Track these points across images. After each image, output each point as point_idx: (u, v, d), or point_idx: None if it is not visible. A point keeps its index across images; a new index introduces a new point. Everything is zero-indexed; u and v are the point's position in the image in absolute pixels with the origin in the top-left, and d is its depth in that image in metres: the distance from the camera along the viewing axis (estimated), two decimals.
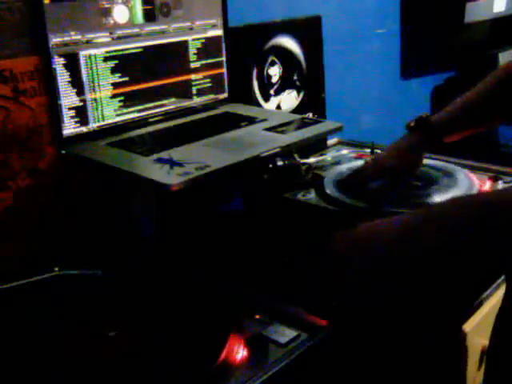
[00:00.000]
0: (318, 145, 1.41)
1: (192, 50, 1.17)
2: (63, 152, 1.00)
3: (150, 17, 1.09)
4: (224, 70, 1.24)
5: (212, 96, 1.23)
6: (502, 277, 0.93)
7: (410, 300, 0.83)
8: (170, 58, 1.14)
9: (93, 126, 1.04)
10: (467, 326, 0.90)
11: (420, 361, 0.88)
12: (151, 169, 0.90)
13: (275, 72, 1.34)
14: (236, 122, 1.13)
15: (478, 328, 0.91)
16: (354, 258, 0.75)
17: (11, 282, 0.89)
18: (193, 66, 1.18)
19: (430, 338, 0.87)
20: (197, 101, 1.20)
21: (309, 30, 1.41)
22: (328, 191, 1.14)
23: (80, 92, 1.01)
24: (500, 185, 1.15)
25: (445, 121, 1.02)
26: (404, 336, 0.86)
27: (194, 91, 1.20)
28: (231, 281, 0.87)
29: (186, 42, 1.16)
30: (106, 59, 1.03)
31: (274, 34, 1.32)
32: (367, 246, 0.75)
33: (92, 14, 1.00)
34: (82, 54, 1.00)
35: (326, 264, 0.79)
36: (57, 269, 0.92)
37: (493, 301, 0.93)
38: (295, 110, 1.40)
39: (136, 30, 1.07)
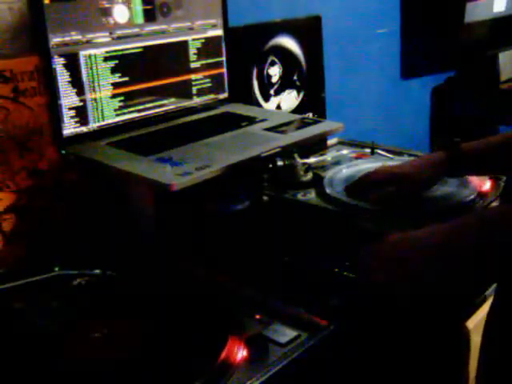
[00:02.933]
0: (318, 145, 1.41)
1: (192, 50, 1.17)
2: (63, 152, 1.00)
3: (150, 17, 1.09)
4: (224, 70, 1.24)
5: (212, 96, 1.23)
6: None
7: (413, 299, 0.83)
8: (170, 57, 1.14)
9: (93, 126, 1.04)
10: (470, 323, 0.90)
11: (422, 357, 0.88)
12: (151, 169, 0.91)
13: (275, 72, 1.34)
14: (236, 121, 1.13)
15: (481, 325, 0.91)
16: (392, 274, 0.75)
17: (11, 281, 0.89)
18: (193, 66, 1.18)
19: (432, 335, 0.87)
20: (197, 101, 1.21)
21: (309, 29, 1.41)
22: (328, 191, 1.14)
23: (80, 92, 1.01)
24: (501, 185, 1.15)
25: (472, 153, 1.02)
26: (406, 333, 0.86)
27: (194, 91, 1.20)
28: (231, 281, 0.87)
29: (186, 42, 1.16)
30: (106, 59, 1.03)
31: (274, 33, 1.32)
32: (405, 260, 0.74)
33: (92, 14, 1.00)
34: (82, 53, 1.00)
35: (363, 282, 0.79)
36: (57, 269, 0.92)
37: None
38: (295, 110, 1.40)
39: (136, 30, 1.07)
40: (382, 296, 0.78)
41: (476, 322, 0.91)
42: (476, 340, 0.91)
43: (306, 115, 1.42)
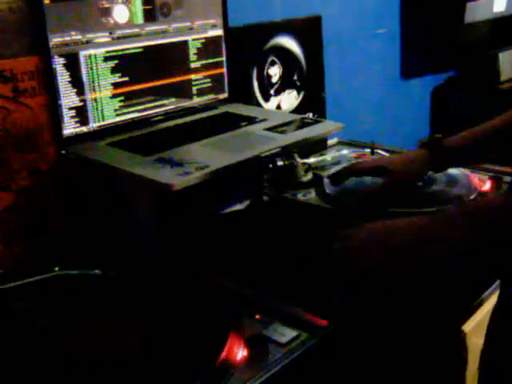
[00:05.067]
0: (318, 145, 1.41)
1: (192, 50, 1.17)
2: (63, 152, 1.00)
3: (150, 17, 1.09)
4: (224, 70, 1.24)
5: (212, 96, 1.23)
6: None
7: (410, 301, 0.83)
8: (170, 57, 1.14)
9: (93, 125, 1.04)
10: (467, 327, 0.90)
11: (420, 361, 0.88)
12: (151, 169, 0.90)
13: (275, 72, 1.34)
14: (236, 121, 1.13)
15: (478, 328, 0.91)
16: (370, 257, 0.74)
17: (11, 282, 0.89)
18: (193, 66, 1.18)
19: (429, 338, 0.87)
20: (197, 101, 1.21)
21: (309, 30, 1.41)
22: (328, 191, 1.14)
23: (80, 92, 1.01)
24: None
25: (454, 148, 1.03)
26: (404, 336, 0.86)
27: (194, 91, 1.20)
28: (231, 281, 0.87)
29: (186, 42, 1.16)
30: (106, 59, 1.03)
31: (274, 33, 1.32)
32: (385, 245, 0.73)
33: (92, 14, 1.00)
34: (82, 53, 1.00)
35: (338, 264, 0.78)
36: (57, 269, 0.92)
37: (492, 301, 0.93)
38: (295, 110, 1.40)
39: (136, 30, 1.07)
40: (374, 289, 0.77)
41: (473, 325, 0.90)
42: (473, 343, 0.91)
43: (306, 115, 1.42)
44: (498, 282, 0.94)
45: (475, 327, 0.90)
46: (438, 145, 1.04)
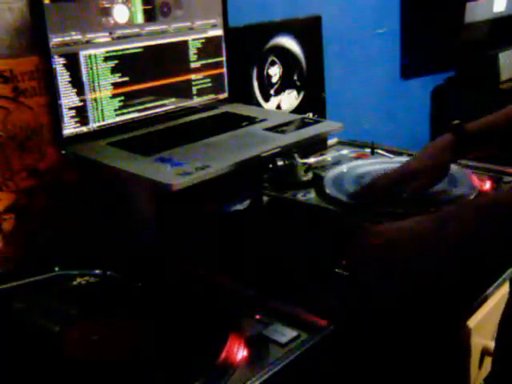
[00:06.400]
0: (318, 145, 1.41)
1: (192, 50, 1.17)
2: (63, 152, 1.00)
3: (150, 17, 1.09)
4: (224, 70, 1.24)
5: (212, 96, 1.23)
6: (505, 274, 0.93)
7: (413, 298, 0.83)
8: (170, 57, 1.14)
9: (93, 125, 1.04)
10: (471, 322, 0.90)
11: (422, 359, 0.88)
12: (151, 169, 0.91)
13: (275, 72, 1.34)
14: (236, 122, 1.13)
15: (482, 324, 0.91)
16: (377, 268, 0.76)
17: (11, 282, 0.89)
18: (193, 65, 1.18)
19: (432, 335, 0.87)
20: (197, 101, 1.21)
21: (309, 30, 1.41)
22: (328, 191, 1.14)
23: (80, 92, 1.01)
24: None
25: (476, 129, 1.04)
26: (406, 334, 0.86)
27: (194, 91, 1.20)
28: (231, 281, 0.87)
29: (186, 42, 1.16)
30: (106, 59, 1.03)
31: (274, 33, 1.32)
32: (388, 257, 0.76)
33: (92, 14, 1.00)
34: (82, 53, 1.00)
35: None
36: (57, 269, 0.92)
37: (496, 297, 0.93)
38: (295, 110, 1.40)
39: (136, 30, 1.07)
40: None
41: (477, 321, 0.91)
42: (476, 341, 0.91)
43: (306, 115, 1.42)
44: (501, 279, 0.94)
45: (480, 323, 0.91)
46: (463, 129, 1.03)
